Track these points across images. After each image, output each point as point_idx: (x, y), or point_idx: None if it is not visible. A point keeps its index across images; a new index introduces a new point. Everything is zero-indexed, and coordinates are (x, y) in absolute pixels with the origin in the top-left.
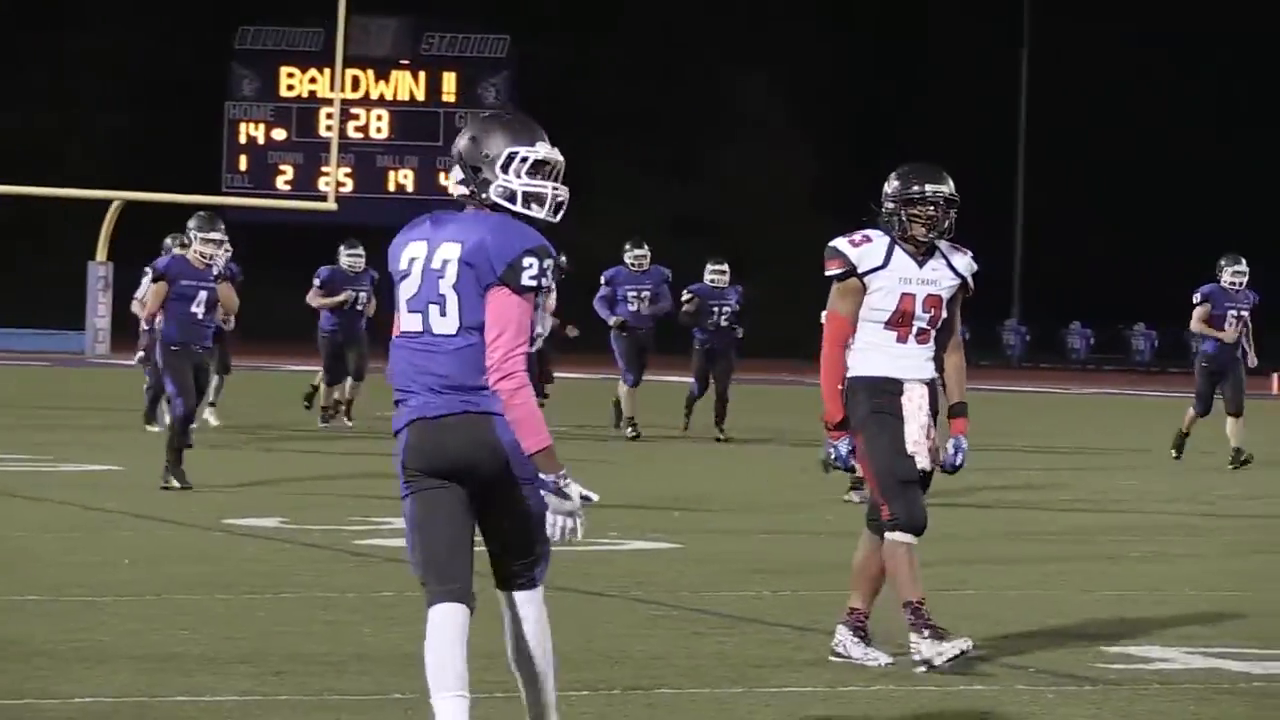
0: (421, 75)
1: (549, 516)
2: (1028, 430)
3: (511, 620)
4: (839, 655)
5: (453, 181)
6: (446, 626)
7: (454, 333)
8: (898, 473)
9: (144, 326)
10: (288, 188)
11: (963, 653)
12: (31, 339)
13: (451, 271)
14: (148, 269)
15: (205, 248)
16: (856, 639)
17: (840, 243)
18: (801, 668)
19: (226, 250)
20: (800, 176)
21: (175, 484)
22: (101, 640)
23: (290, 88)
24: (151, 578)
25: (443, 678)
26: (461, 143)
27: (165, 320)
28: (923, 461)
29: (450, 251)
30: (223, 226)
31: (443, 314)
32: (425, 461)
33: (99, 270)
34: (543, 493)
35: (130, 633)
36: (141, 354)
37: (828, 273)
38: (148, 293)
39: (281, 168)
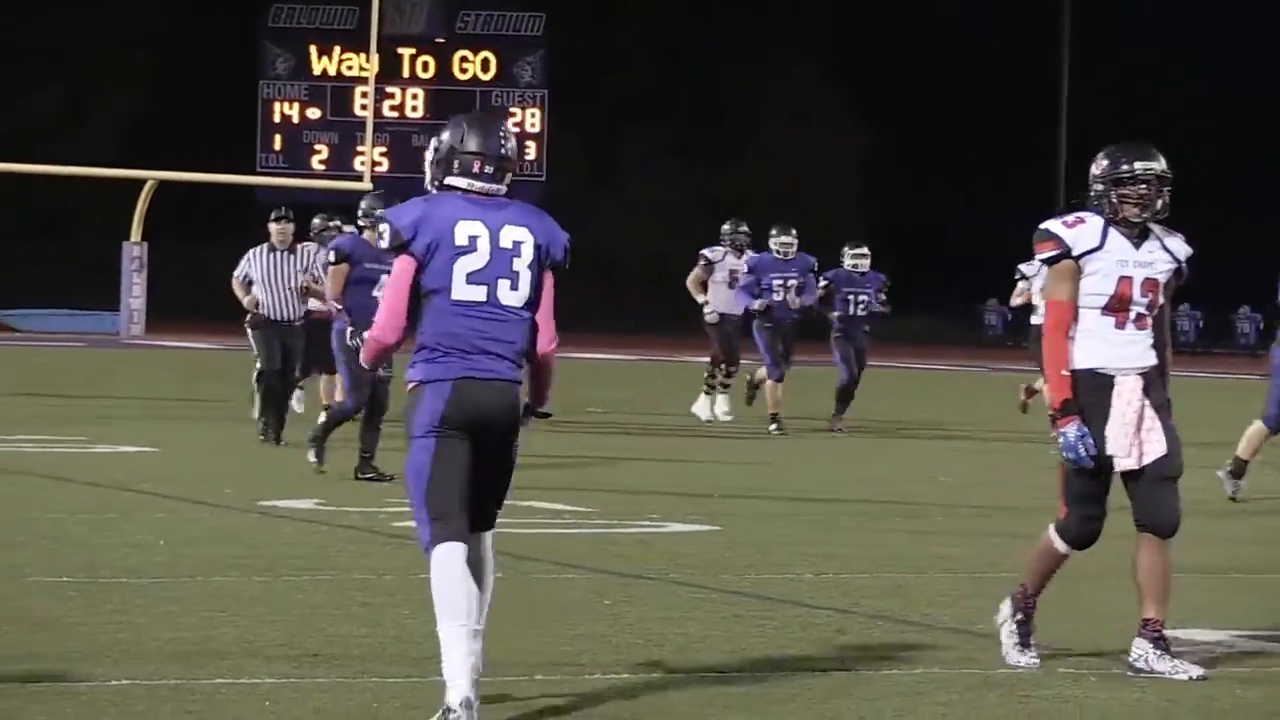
0: (457, 54)
1: (524, 434)
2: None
3: (475, 559)
4: (1141, 671)
5: (505, 181)
6: (453, 562)
7: (522, 305)
8: (1083, 487)
9: (337, 304)
10: (322, 167)
11: (1025, 668)
12: (65, 320)
13: (527, 252)
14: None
15: None
16: (1159, 652)
17: (1053, 224)
18: (842, 650)
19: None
20: (840, 161)
21: (314, 461)
22: (137, 623)
23: (324, 67)
24: (187, 560)
25: (451, 608)
26: (509, 145)
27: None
28: (1128, 462)
29: (520, 234)
30: None
31: (514, 288)
32: (461, 413)
33: (133, 250)
34: (533, 418)
35: (166, 615)
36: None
37: (1040, 256)
38: (329, 274)
39: (316, 147)
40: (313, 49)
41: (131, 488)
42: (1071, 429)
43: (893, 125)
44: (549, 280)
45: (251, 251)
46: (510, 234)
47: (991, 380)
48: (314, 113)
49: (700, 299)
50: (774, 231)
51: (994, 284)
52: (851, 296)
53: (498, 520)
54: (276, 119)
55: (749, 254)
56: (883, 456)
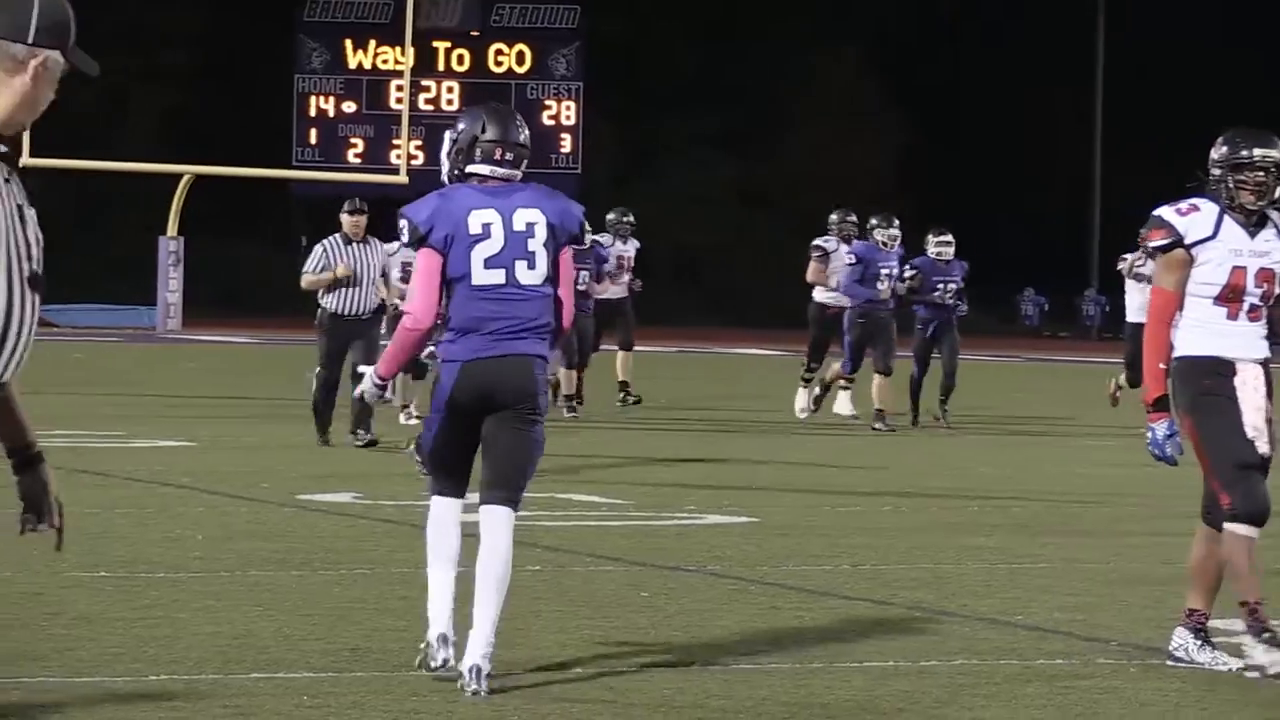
0: (492, 47)
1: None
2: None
3: (489, 536)
4: (1181, 661)
5: (521, 167)
6: (448, 513)
7: (541, 283)
8: (1236, 457)
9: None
10: (358, 161)
11: None
12: (102, 315)
13: (541, 232)
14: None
15: None
16: (1200, 642)
17: (1166, 212)
18: (881, 642)
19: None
20: (876, 153)
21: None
22: (176, 618)
23: (359, 60)
24: (225, 554)
25: (440, 552)
26: (525, 134)
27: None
28: (1263, 446)
29: (533, 215)
30: None
31: (531, 267)
32: (469, 395)
33: (170, 245)
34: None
35: (203, 610)
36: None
37: (1151, 244)
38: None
39: (352, 141)
40: (348, 43)
41: (169, 482)
42: (1161, 426)
43: (930, 117)
44: (566, 256)
45: (325, 243)
46: (523, 216)
47: (1027, 371)
48: (349, 106)
49: (823, 296)
50: (877, 222)
51: (1030, 274)
52: (941, 286)
53: (534, 512)
54: (312, 113)
55: (856, 244)
56: (918, 447)
